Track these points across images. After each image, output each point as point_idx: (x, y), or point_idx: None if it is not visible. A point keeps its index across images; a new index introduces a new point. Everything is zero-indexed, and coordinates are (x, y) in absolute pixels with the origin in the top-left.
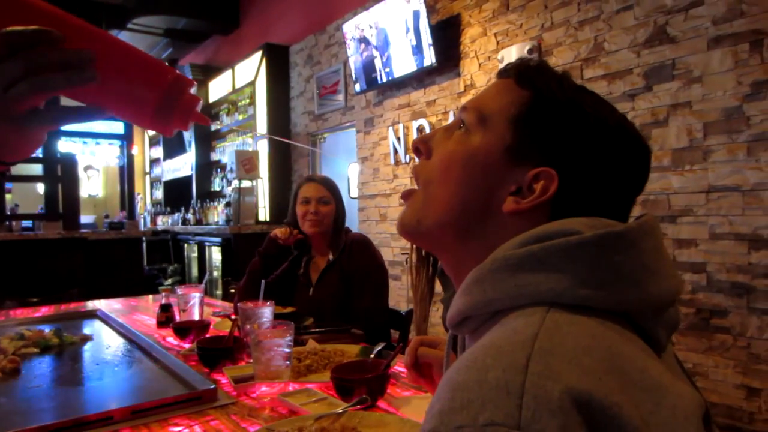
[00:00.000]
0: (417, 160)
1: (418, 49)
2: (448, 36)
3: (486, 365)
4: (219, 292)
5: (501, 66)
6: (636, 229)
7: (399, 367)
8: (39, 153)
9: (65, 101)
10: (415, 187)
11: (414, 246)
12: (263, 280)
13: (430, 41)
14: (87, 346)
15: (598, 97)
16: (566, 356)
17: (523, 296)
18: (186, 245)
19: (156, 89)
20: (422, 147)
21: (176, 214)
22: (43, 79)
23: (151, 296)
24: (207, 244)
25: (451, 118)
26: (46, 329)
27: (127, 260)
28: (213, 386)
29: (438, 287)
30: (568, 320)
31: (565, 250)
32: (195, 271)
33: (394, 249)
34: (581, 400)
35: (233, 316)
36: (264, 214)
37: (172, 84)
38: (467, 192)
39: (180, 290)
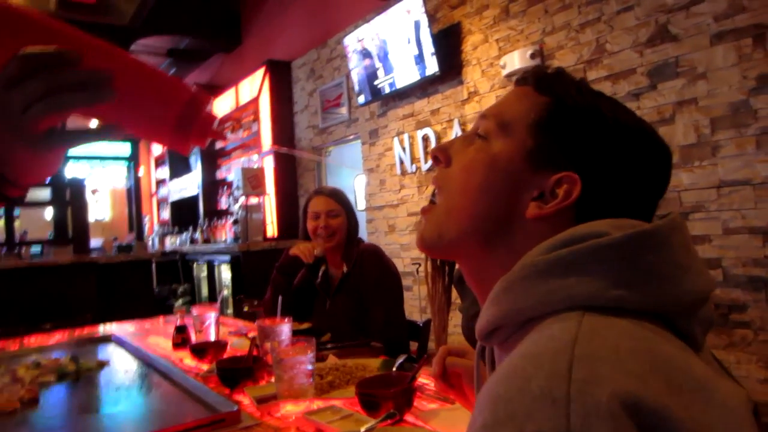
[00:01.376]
0: (432, 167)
1: (420, 59)
2: (449, 44)
3: (527, 374)
4: (230, 311)
5: (504, 72)
6: (665, 227)
7: (423, 379)
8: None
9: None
10: (427, 197)
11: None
12: (279, 297)
13: (432, 50)
14: (104, 372)
15: (616, 102)
16: (609, 360)
17: (555, 302)
18: (195, 265)
19: (174, 107)
20: (441, 155)
21: (184, 234)
22: (62, 99)
23: (162, 318)
24: (216, 262)
25: (455, 126)
26: (62, 356)
27: (138, 282)
28: (236, 408)
29: (455, 296)
30: (604, 323)
31: (595, 252)
32: (205, 291)
33: (404, 259)
34: (630, 404)
35: (250, 334)
36: (272, 230)
37: (189, 102)
38: (489, 199)
39: (195, 310)
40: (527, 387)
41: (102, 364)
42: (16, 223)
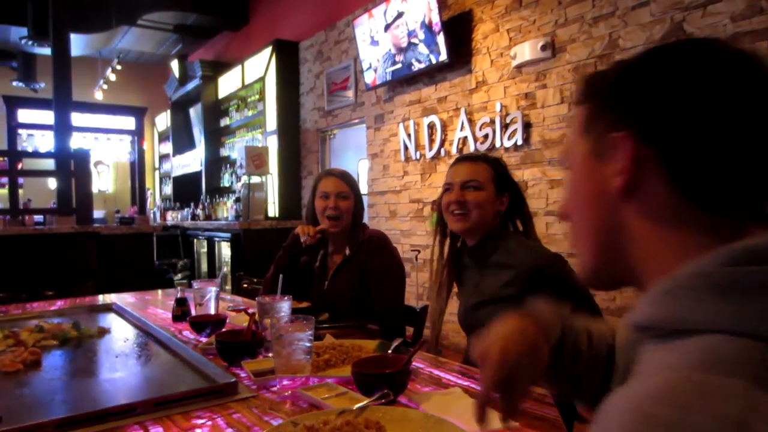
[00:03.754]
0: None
1: (429, 45)
2: (459, 32)
3: (688, 405)
4: (228, 287)
5: (514, 63)
6: None
7: (418, 363)
8: (51, 148)
9: None
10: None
11: (436, 240)
12: (281, 275)
13: (442, 37)
14: (105, 339)
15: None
16: None
17: (732, 324)
18: (195, 240)
19: None
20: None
21: (186, 210)
22: None
23: (160, 291)
24: (216, 239)
25: (462, 115)
26: (64, 322)
27: (138, 255)
28: (234, 380)
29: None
30: None
31: None
32: (204, 266)
33: (404, 245)
34: None
35: (250, 310)
36: (273, 210)
37: None
38: (590, 214)
39: (196, 284)
40: (686, 419)
41: (103, 331)
42: (20, 192)
